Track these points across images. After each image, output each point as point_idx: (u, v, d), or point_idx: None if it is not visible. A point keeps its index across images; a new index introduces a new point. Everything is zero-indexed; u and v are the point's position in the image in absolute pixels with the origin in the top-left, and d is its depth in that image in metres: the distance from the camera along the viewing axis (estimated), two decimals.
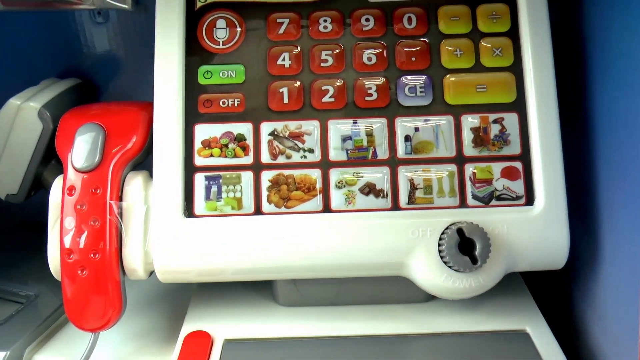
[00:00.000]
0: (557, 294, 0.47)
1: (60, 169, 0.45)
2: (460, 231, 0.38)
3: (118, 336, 0.44)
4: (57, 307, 0.46)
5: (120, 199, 0.40)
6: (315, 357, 0.39)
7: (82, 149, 0.40)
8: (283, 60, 0.41)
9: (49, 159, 0.51)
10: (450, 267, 0.38)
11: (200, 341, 0.40)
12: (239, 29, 0.42)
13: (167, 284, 0.46)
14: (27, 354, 0.42)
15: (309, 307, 0.44)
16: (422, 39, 0.41)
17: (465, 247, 0.38)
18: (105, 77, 0.55)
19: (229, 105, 0.41)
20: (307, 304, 0.44)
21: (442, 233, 0.38)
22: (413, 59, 0.41)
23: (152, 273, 0.41)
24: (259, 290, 0.46)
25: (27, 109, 0.47)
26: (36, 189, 0.53)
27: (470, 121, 0.40)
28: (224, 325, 0.42)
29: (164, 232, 0.39)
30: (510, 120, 0.40)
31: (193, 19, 0.42)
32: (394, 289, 0.43)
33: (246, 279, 0.41)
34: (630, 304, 0.36)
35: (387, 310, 0.43)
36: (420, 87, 0.41)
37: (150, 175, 0.41)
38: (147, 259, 0.40)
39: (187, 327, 0.42)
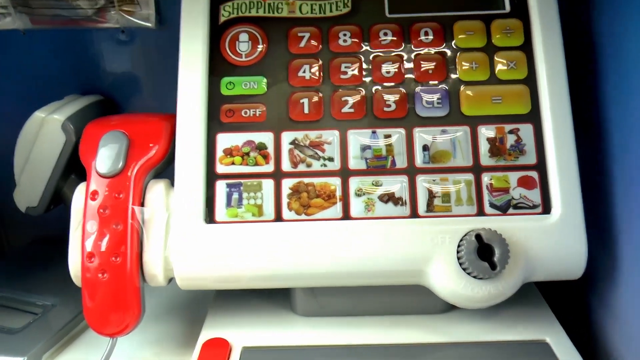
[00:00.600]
0: (574, 303, 0.47)
1: (80, 183, 0.46)
2: (478, 237, 0.38)
3: (135, 343, 0.44)
4: (75, 316, 0.46)
5: (142, 206, 0.41)
6: None
7: (106, 155, 0.41)
8: (304, 72, 0.43)
9: (69, 174, 0.52)
10: (469, 273, 0.38)
11: (219, 348, 0.40)
12: (261, 42, 0.43)
13: (184, 293, 0.47)
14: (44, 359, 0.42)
15: (327, 317, 0.44)
16: (438, 53, 0.42)
17: (483, 253, 0.38)
18: (126, 94, 0.57)
19: (251, 115, 0.42)
20: (325, 314, 0.44)
21: (461, 240, 0.39)
22: (430, 71, 0.42)
23: (170, 280, 0.41)
24: (276, 300, 0.46)
25: (51, 121, 0.49)
26: (55, 203, 0.53)
27: (486, 131, 0.41)
28: (241, 333, 0.42)
29: (184, 237, 0.40)
30: (526, 130, 0.41)
31: (217, 33, 0.43)
32: (413, 300, 0.43)
33: (266, 286, 0.41)
34: None
35: (405, 320, 0.43)
36: (438, 99, 0.42)
37: (171, 183, 0.42)
38: (167, 265, 0.40)
39: (205, 334, 0.42)
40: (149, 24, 0.52)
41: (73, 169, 0.52)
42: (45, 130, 0.49)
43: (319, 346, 0.41)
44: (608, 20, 0.42)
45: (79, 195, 0.42)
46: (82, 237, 0.40)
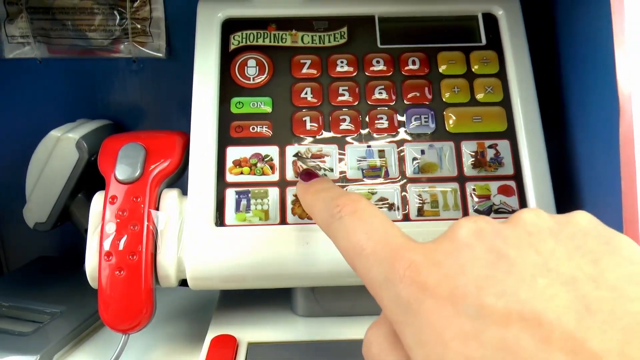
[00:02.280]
0: None
1: (86, 202, 0.49)
2: None
3: (146, 341, 0.46)
4: (85, 320, 0.48)
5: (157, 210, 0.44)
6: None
7: (125, 163, 0.45)
8: (306, 94, 0.48)
9: (77, 192, 0.55)
10: None
11: (226, 343, 0.43)
12: (267, 67, 0.48)
13: (188, 298, 0.49)
14: (55, 359, 0.44)
15: (326, 317, 0.47)
16: (424, 78, 0.48)
17: None
18: (135, 120, 0.61)
19: (258, 130, 0.46)
20: (324, 314, 0.47)
21: None
22: (417, 94, 0.48)
23: (180, 282, 0.44)
24: (277, 302, 0.49)
25: (66, 140, 0.52)
26: (62, 220, 0.56)
27: (468, 146, 0.46)
28: (246, 331, 0.44)
29: (196, 239, 0.43)
30: (503, 146, 0.46)
31: (227, 59, 0.48)
32: None
33: (271, 286, 0.44)
34: None
35: None
36: (425, 118, 0.47)
37: (184, 192, 0.45)
38: (180, 266, 0.43)
39: (213, 332, 0.44)
40: (159, 55, 0.56)
41: (81, 188, 0.55)
42: (60, 148, 0.52)
43: (320, 341, 0.44)
44: (568, 30, 0.49)
45: (97, 202, 0.45)
46: (100, 238, 0.43)
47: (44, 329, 0.46)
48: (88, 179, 0.54)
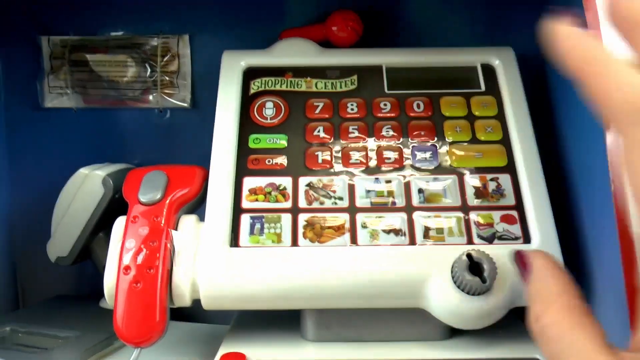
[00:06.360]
0: None
1: (107, 241, 0.51)
2: (469, 256, 0.44)
3: (157, 357, 0.46)
4: (100, 341, 0.49)
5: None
6: None
7: (147, 187, 0.48)
8: (318, 132, 0.51)
9: (99, 231, 0.58)
10: (462, 289, 0.43)
11: None
12: (283, 109, 0.53)
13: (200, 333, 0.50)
14: None
15: (335, 342, 0.47)
16: (428, 119, 0.52)
17: (474, 271, 0.43)
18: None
19: (273, 163, 0.50)
20: (334, 339, 0.47)
21: (454, 261, 0.44)
22: (422, 133, 0.51)
23: (193, 302, 0.46)
24: (287, 328, 0.49)
25: (93, 177, 0.56)
26: (82, 257, 0.58)
27: (471, 179, 0.49)
28: (257, 351, 0.45)
29: (211, 259, 0.45)
30: (504, 179, 0.49)
31: (247, 101, 0.53)
32: (414, 328, 0.47)
33: (282, 306, 0.45)
34: (621, 334, 0.41)
35: (408, 345, 0.46)
36: (429, 154, 0.50)
37: (201, 218, 0.48)
38: (194, 287, 0.45)
39: (224, 350, 0.45)
40: (185, 104, 0.61)
41: (103, 226, 0.58)
42: (87, 184, 0.55)
43: None
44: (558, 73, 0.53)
45: (119, 225, 0.47)
46: (120, 253, 0.45)
47: (60, 348, 0.47)
48: (110, 219, 0.57)
